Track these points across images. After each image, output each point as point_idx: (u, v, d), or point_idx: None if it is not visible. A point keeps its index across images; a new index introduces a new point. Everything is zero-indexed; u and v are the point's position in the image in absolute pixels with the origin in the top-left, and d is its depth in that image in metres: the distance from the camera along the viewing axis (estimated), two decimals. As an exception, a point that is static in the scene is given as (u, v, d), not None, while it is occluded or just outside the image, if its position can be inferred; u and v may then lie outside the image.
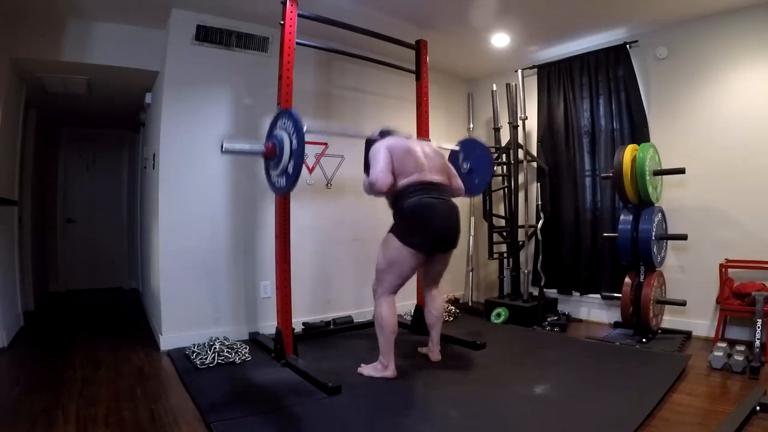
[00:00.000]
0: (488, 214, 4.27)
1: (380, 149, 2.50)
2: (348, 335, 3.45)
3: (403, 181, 2.48)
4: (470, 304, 4.46)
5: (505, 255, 4.26)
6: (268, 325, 3.32)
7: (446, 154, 3.16)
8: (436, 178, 2.56)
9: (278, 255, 2.81)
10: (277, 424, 1.98)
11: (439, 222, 2.46)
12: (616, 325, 3.63)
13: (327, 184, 3.71)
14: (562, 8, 3.26)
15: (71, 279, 5.53)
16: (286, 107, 2.67)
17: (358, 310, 3.87)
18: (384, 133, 2.68)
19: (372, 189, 2.47)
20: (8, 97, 3.23)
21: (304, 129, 2.27)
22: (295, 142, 2.27)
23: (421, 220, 2.42)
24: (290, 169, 2.31)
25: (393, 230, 2.51)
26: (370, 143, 2.66)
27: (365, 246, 3.92)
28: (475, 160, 3.16)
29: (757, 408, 2.00)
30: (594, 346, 3.13)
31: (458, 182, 2.78)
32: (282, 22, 2.76)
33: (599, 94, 3.88)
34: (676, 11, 3.31)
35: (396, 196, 2.51)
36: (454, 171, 2.80)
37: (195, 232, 3.20)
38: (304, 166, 3.60)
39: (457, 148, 3.28)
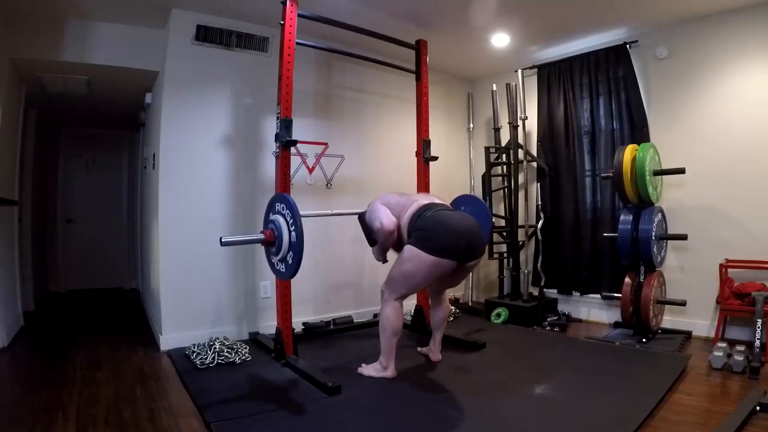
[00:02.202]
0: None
1: (375, 205, 2.63)
2: (348, 335, 3.45)
3: (407, 215, 2.50)
4: (470, 304, 4.46)
5: (505, 255, 4.26)
6: (268, 325, 3.32)
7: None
8: (437, 201, 2.58)
9: (278, 255, 2.81)
10: (277, 424, 1.98)
11: (461, 227, 2.36)
12: (616, 325, 3.62)
13: (327, 184, 3.71)
14: (562, 8, 3.26)
15: (71, 279, 5.53)
16: (286, 114, 2.69)
17: (358, 310, 3.88)
18: None
19: (380, 234, 2.53)
20: (8, 97, 3.23)
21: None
22: (294, 234, 2.24)
23: (441, 227, 2.33)
24: (290, 259, 2.30)
25: (412, 242, 2.36)
26: (363, 216, 2.77)
27: (365, 246, 3.91)
28: (475, 215, 3.13)
29: (757, 408, 2.00)
30: (594, 346, 3.13)
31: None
32: (282, 22, 2.76)
33: (599, 94, 3.87)
34: (676, 11, 3.31)
35: (408, 227, 2.46)
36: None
37: (195, 232, 3.20)
38: (303, 166, 3.64)
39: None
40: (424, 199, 2.56)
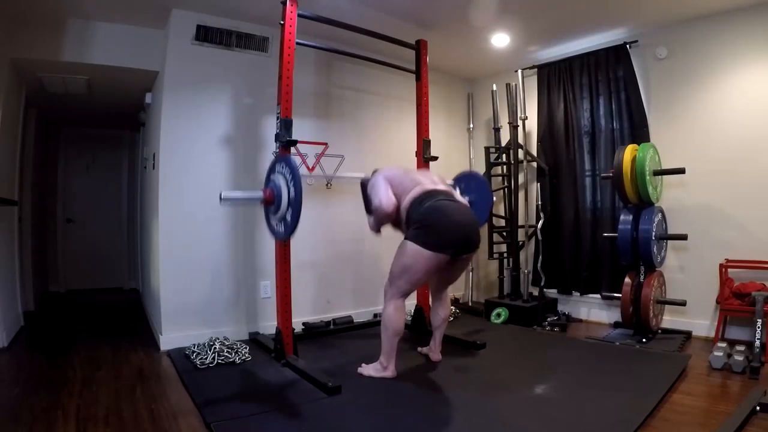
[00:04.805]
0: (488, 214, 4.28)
1: (377, 179, 2.57)
2: (348, 335, 3.45)
3: (407, 198, 2.48)
4: (470, 304, 4.46)
5: (505, 255, 4.26)
6: (268, 325, 3.32)
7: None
8: (440, 187, 2.56)
9: (278, 255, 2.81)
10: (277, 424, 1.98)
11: (459, 220, 2.38)
12: (616, 325, 3.63)
13: (327, 184, 3.71)
14: (562, 8, 3.26)
15: (71, 279, 5.53)
16: (286, 114, 2.70)
17: (358, 310, 3.87)
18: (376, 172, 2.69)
19: (377, 212, 2.50)
20: (8, 97, 3.23)
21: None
22: (292, 190, 2.27)
23: (439, 221, 2.34)
24: (288, 217, 2.32)
25: (410, 237, 2.38)
26: (365, 184, 2.69)
27: (365, 246, 3.93)
28: (475, 192, 3.18)
29: (757, 408, 2.00)
30: (594, 346, 3.13)
31: (464, 200, 2.74)
32: (282, 22, 2.76)
33: (599, 94, 3.87)
34: (676, 11, 3.31)
35: (407, 213, 2.46)
36: (457, 193, 2.81)
37: (195, 232, 3.20)
38: (303, 165, 3.63)
39: (452, 183, 3.28)
40: (428, 183, 2.53)
